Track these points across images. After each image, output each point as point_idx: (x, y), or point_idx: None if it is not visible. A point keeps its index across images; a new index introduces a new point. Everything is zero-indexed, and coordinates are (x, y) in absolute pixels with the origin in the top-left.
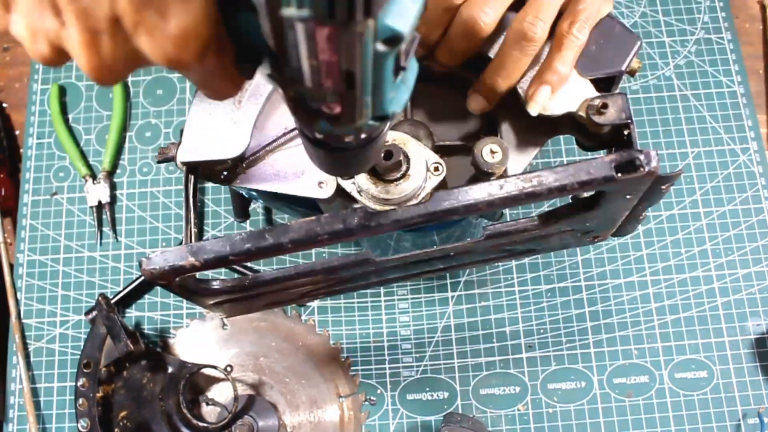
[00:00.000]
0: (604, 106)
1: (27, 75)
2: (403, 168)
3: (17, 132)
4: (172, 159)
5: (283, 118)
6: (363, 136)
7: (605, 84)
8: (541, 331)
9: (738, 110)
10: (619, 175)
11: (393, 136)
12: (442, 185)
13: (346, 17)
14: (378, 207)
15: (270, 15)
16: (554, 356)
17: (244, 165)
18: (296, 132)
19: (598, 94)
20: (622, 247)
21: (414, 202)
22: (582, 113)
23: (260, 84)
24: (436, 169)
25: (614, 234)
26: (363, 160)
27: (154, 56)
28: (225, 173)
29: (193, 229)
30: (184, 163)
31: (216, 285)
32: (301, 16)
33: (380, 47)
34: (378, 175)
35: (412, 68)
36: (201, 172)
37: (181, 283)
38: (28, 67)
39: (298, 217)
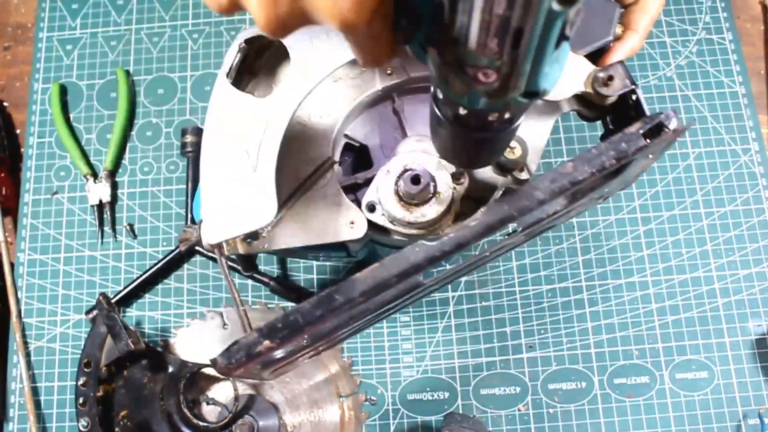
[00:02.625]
0: (610, 78)
1: (28, 74)
2: (431, 188)
3: (18, 131)
4: (198, 243)
5: (295, 169)
6: (507, 116)
7: (592, 57)
8: (542, 331)
9: (739, 111)
10: (648, 141)
11: (410, 158)
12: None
13: None
14: (414, 232)
15: None
16: (555, 356)
17: (268, 227)
18: (313, 179)
19: (596, 67)
20: (623, 247)
21: (450, 215)
22: (588, 89)
23: (272, 144)
24: (458, 178)
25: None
26: (497, 147)
27: (329, 16)
28: (249, 240)
29: (241, 307)
30: (212, 245)
31: (279, 354)
32: None
33: (555, 6)
34: (409, 202)
35: (566, 49)
36: (226, 246)
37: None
38: (29, 66)
39: (318, 259)
